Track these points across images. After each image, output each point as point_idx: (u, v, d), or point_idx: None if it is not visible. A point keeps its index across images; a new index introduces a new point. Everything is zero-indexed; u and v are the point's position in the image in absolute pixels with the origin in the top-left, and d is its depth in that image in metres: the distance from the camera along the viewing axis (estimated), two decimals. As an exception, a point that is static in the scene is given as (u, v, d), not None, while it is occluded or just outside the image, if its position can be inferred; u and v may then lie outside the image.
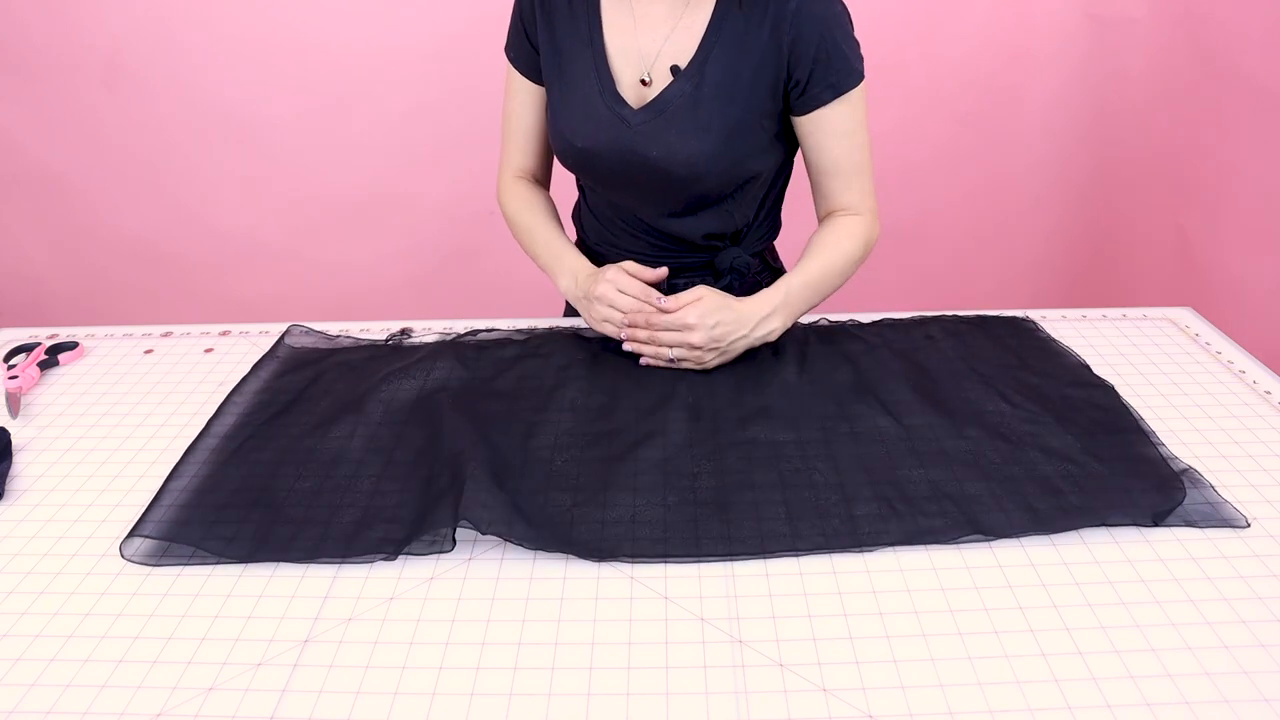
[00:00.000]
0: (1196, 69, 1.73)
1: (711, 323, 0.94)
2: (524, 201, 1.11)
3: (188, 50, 1.90)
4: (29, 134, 2.00)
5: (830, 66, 0.96)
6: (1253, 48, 1.60)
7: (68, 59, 1.91)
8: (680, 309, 0.95)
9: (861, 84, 0.98)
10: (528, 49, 1.05)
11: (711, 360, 0.96)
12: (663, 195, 1.02)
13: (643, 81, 0.99)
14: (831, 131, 0.99)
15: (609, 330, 0.99)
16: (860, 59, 0.98)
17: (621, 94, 1.00)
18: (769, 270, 1.15)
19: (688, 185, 1.00)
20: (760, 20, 0.95)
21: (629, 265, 1.00)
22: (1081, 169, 1.99)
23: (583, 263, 1.05)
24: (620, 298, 0.97)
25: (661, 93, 0.98)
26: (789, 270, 1.01)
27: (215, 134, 1.98)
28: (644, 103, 0.99)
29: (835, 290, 1.03)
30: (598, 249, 1.13)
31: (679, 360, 0.96)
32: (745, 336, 0.96)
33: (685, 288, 1.09)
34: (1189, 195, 1.81)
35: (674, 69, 0.98)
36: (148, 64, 1.91)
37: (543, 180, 1.16)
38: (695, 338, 0.94)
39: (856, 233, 1.02)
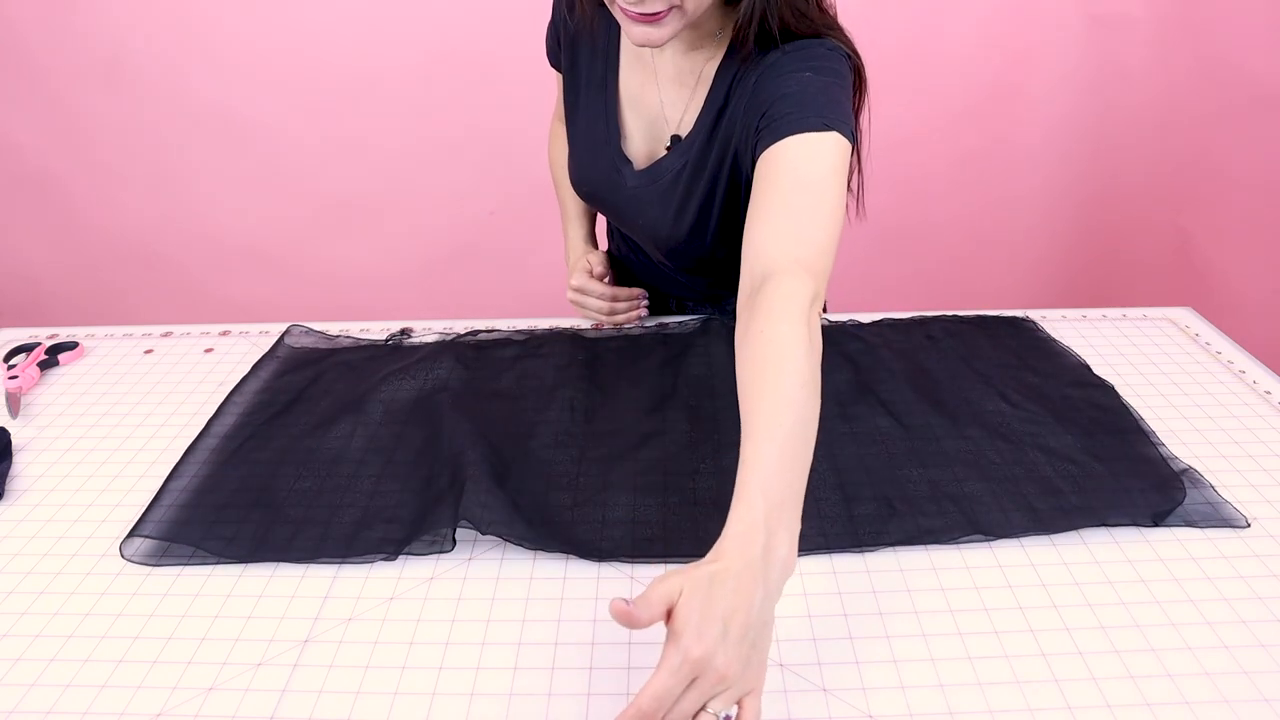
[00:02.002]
0: (1196, 69, 1.73)
1: (712, 618, 0.51)
2: (562, 150, 1.14)
3: (187, 51, 1.90)
4: (29, 134, 2.00)
5: (775, 114, 0.80)
6: (1252, 47, 1.60)
7: (68, 60, 1.91)
8: (658, 672, 0.50)
9: (822, 136, 0.77)
10: (559, 53, 1.04)
11: (742, 666, 0.52)
12: (658, 252, 1.02)
13: (667, 148, 0.96)
14: (767, 171, 0.77)
15: (577, 310, 1.08)
16: (830, 121, 0.78)
17: (626, 148, 0.97)
18: None
19: (673, 255, 1.00)
20: (741, 96, 0.86)
21: (596, 265, 1.06)
22: (1081, 169, 1.99)
23: (579, 236, 1.15)
24: (588, 300, 1.06)
25: (659, 161, 0.95)
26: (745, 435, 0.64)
27: (215, 135, 1.99)
28: (645, 164, 0.97)
29: (816, 413, 0.65)
30: (625, 262, 1.16)
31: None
32: (765, 592, 0.54)
33: (695, 311, 1.12)
34: (1189, 195, 1.81)
35: (674, 138, 0.95)
36: (148, 65, 1.91)
37: None
38: (696, 650, 0.50)
39: (784, 318, 0.67)
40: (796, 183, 0.76)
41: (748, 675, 0.53)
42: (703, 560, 0.55)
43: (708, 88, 0.91)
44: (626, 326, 1.07)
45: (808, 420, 0.63)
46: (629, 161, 0.97)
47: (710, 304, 1.12)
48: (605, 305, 1.06)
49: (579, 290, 1.06)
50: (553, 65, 1.07)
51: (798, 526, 0.59)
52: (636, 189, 0.96)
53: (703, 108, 0.91)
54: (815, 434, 0.64)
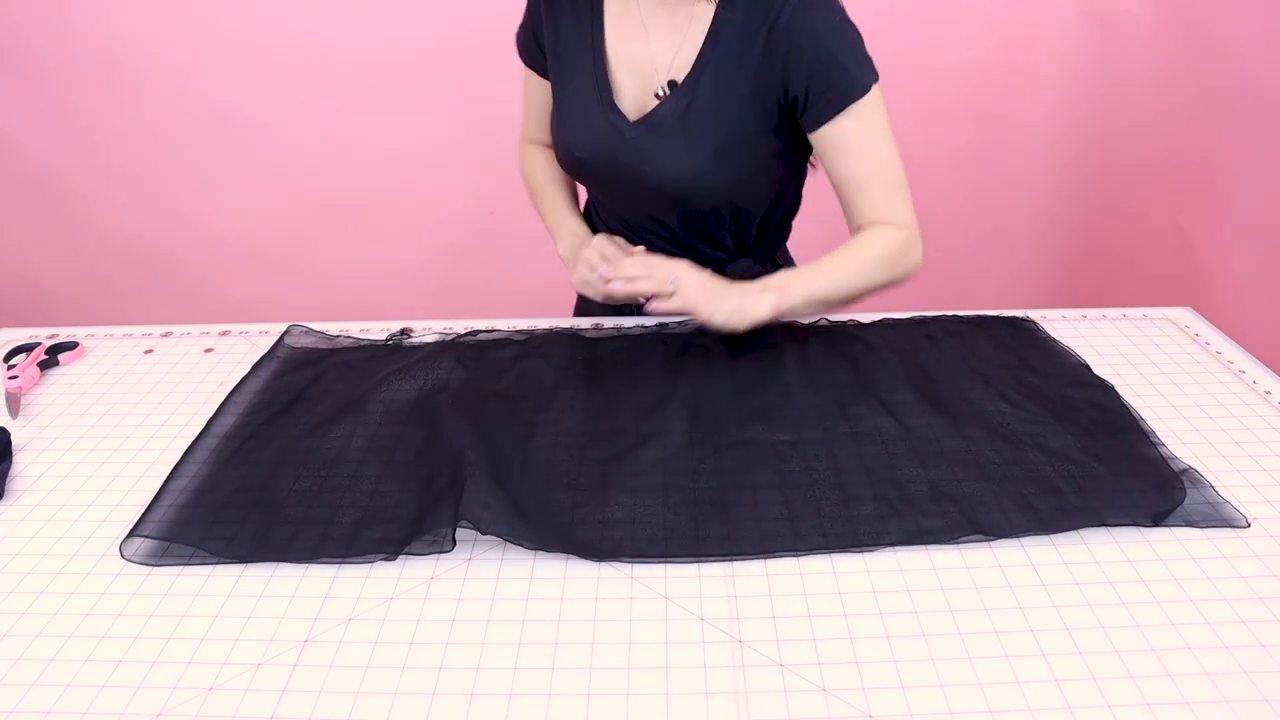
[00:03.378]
0: (1197, 68, 1.73)
1: (697, 272, 0.94)
2: (538, 165, 1.17)
3: (186, 51, 1.90)
4: (28, 135, 2.00)
5: (828, 80, 0.92)
6: (1253, 48, 1.60)
7: (67, 60, 1.91)
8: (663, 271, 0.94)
9: (869, 96, 0.93)
10: (534, 49, 1.06)
11: (700, 283, 0.94)
12: (659, 209, 1.03)
13: (656, 95, 0.98)
14: (843, 148, 0.95)
15: (588, 292, 1.03)
16: (867, 71, 0.93)
17: (619, 103, 0.99)
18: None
19: (680, 202, 1.00)
20: (755, 34, 0.92)
21: (618, 239, 1.05)
22: (1081, 168, 1.99)
23: (583, 229, 1.12)
24: (604, 263, 1.01)
25: (656, 107, 0.97)
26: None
27: (215, 135, 1.99)
28: (641, 114, 0.98)
29: (856, 292, 0.97)
30: None
31: (674, 296, 0.93)
32: (738, 304, 0.93)
33: None
34: (1189, 195, 1.81)
35: (671, 83, 0.97)
36: (147, 65, 1.91)
37: None
38: (676, 265, 0.95)
39: (883, 239, 0.97)
40: (863, 158, 0.96)
41: (696, 294, 0.93)
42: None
43: (706, 26, 0.95)
44: (626, 326, 1.07)
45: (854, 273, 0.97)
46: (622, 115, 0.99)
47: None
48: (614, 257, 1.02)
49: (597, 248, 1.02)
50: (525, 63, 1.09)
51: (790, 306, 0.94)
52: (636, 138, 0.98)
53: (702, 46, 0.95)
54: (859, 287, 0.98)
